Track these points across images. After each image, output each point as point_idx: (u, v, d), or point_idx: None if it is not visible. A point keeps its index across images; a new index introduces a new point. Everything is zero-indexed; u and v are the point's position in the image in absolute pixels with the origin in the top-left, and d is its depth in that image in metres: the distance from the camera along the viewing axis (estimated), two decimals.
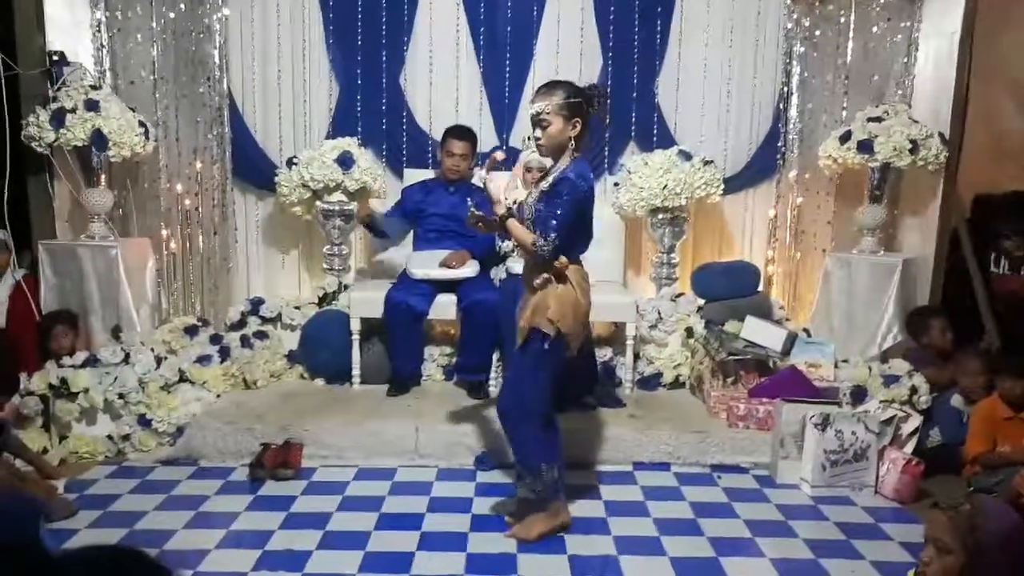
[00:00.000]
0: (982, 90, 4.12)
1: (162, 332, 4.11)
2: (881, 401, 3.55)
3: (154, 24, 4.37)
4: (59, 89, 4.05)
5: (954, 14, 4.19)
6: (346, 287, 4.36)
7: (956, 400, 3.60)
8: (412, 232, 4.36)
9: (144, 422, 3.58)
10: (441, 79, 4.77)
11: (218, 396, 3.86)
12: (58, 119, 3.91)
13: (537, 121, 2.71)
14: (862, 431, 3.33)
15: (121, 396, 3.58)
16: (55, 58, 4.13)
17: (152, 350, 3.81)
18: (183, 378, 3.77)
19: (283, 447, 3.43)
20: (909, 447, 3.39)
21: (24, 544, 0.89)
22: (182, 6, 4.40)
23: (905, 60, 4.49)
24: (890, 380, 3.73)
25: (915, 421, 3.44)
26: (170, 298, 4.54)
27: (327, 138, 4.54)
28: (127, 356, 3.73)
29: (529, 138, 4.38)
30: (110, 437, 3.56)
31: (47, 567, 0.84)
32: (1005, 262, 4.25)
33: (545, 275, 2.76)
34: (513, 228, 2.78)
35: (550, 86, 2.76)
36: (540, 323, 2.74)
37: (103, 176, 4.12)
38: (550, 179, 2.78)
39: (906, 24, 4.45)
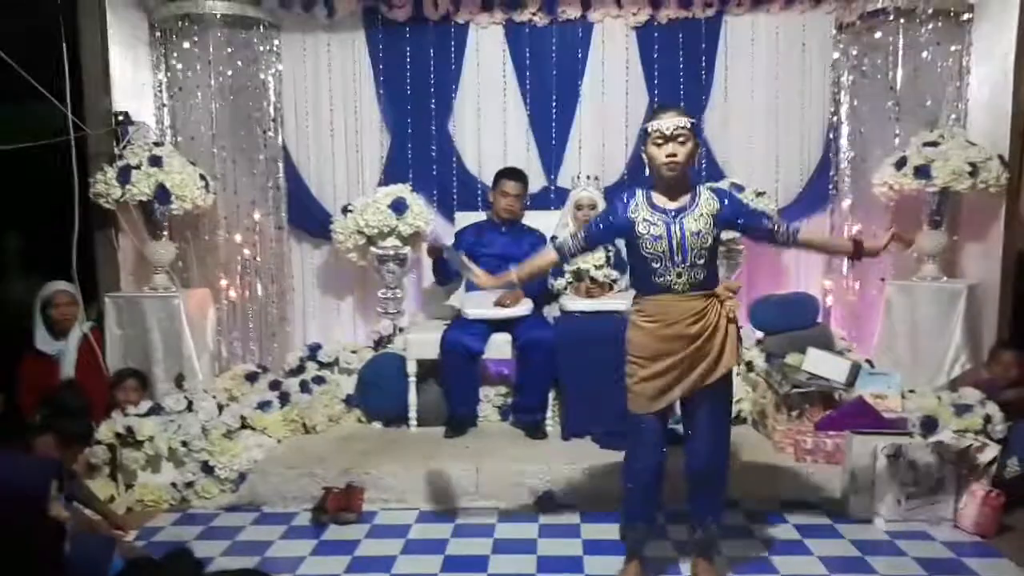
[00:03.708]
0: None
1: (223, 380, 4.18)
2: (954, 431, 3.42)
3: (212, 82, 4.52)
4: (125, 147, 4.21)
5: (1006, 35, 4.14)
6: (401, 330, 4.40)
7: None
8: None
9: (207, 469, 3.62)
10: (489, 124, 4.87)
11: (279, 441, 3.90)
12: (124, 176, 4.05)
13: (673, 136, 2.51)
14: (937, 462, 3.22)
15: (184, 444, 3.64)
16: (120, 118, 4.31)
17: (214, 397, 3.88)
18: (244, 424, 3.82)
19: (345, 491, 3.44)
20: (987, 478, 3.26)
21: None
22: (239, 63, 4.55)
23: (957, 84, 4.41)
24: (962, 409, 3.61)
25: (992, 451, 3.30)
26: (230, 346, 4.61)
27: (379, 186, 4.63)
28: (190, 404, 3.80)
29: (579, 177, 4.45)
30: (174, 485, 3.61)
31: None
32: None
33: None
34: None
35: (673, 107, 2.61)
36: (738, 361, 2.73)
37: (166, 229, 4.25)
38: (705, 199, 2.62)
39: (956, 48, 4.39)
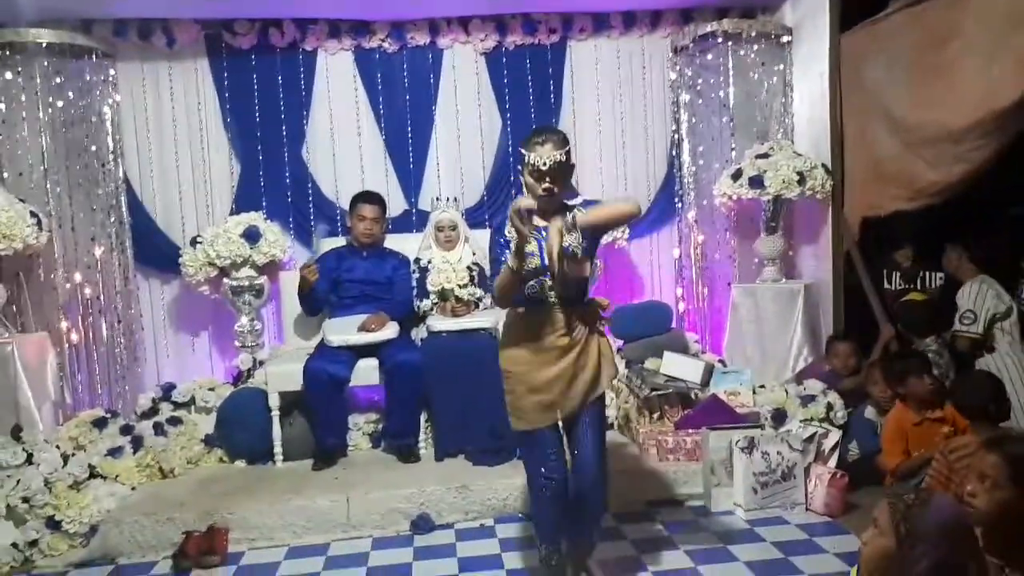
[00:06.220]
0: (855, 121, 4.39)
1: (68, 428, 3.88)
2: (801, 420, 3.66)
3: (40, 115, 4.25)
4: None
5: (820, 56, 4.52)
6: (261, 363, 4.26)
7: (869, 412, 3.75)
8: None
9: (53, 524, 3.34)
10: (344, 149, 4.83)
11: (133, 489, 3.67)
12: None
13: (555, 167, 2.49)
14: (787, 450, 3.42)
15: (26, 500, 3.34)
16: None
17: (58, 447, 3.60)
18: (94, 474, 3.57)
19: (207, 533, 3.27)
20: (832, 462, 3.50)
21: None
22: (70, 94, 4.31)
23: (783, 100, 4.78)
24: (807, 400, 3.86)
25: (835, 436, 3.55)
26: (74, 392, 4.31)
27: (231, 215, 4.49)
28: (30, 457, 3.51)
29: (438, 199, 4.47)
30: (15, 545, 3.31)
31: None
32: (898, 277, 4.50)
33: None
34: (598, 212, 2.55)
35: (553, 132, 2.57)
36: (613, 377, 2.73)
37: None
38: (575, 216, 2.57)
39: (779, 67, 4.76)
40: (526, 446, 2.71)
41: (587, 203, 2.66)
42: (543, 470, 2.61)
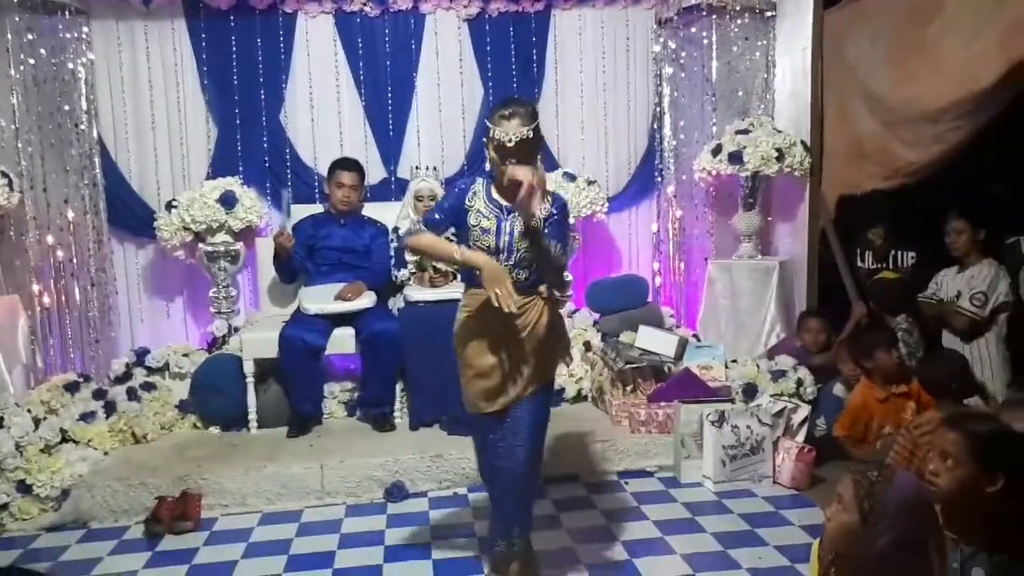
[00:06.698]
0: (835, 99, 4.41)
1: (39, 392, 3.85)
2: (771, 395, 3.71)
3: (12, 72, 4.16)
4: None
5: (803, 32, 4.50)
6: (236, 329, 4.24)
7: (838, 389, 3.79)
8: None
9: (23, 488, 3.34)
10: (323, 115, 4.77)
11: (106, 454, 3.66)
12: None
13: (521, 144, 2.38)
14: (756, 424, 3.48)
15: None
16: None
17: (29, 411, 3.58)
18: (66, 438, 3.56)
19: (180, 499, 3.28)
20: (800, 436, 3.56)
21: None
22: (43, 52, 4.22)
23: (765, 76, 4.77)
24: (777, 375, 3.90)
25: (803, 411, 3.61)
26: (46, 356, 4.27)
27: (207, 180, 4.44)
28: (0, 420, 3.49)
29: (417, 167, 4.44)
30: None
31: None
32: (870, 256, 4.53)
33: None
34: (539, 235, 2.41)
35: (521, 105, 2.44)
36: (565, 358, 2.65)
37: None
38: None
39: (762, 43, 4.74)
40: (475, 428, 2.66)
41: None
42: (488, 456, 2.58)
